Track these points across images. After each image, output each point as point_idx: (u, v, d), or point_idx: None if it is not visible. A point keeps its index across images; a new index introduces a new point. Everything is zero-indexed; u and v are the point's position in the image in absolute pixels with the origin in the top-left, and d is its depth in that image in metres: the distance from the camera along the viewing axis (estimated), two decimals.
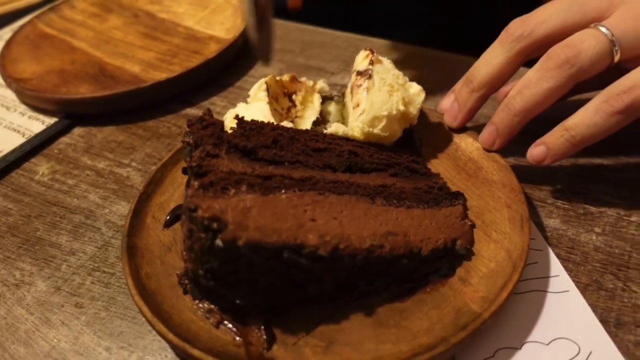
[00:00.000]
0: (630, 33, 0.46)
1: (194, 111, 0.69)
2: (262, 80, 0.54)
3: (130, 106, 0.69)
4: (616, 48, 0.46)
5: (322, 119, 0.55)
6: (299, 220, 0.39)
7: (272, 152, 0.44)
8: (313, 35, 0.82)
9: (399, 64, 0.53)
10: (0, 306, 0.47)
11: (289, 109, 0.56)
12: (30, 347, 0.44)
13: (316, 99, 0.56)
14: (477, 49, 0.54)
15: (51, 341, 0.44)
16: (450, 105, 0.54)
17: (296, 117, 0.55)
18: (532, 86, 0.47)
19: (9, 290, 0.49)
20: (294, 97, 0.56)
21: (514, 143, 0.51)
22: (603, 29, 0.46)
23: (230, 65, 0.76)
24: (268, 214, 0.38)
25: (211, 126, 0.45)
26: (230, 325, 0.41)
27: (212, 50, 0.74)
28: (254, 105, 0.53)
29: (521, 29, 0.49)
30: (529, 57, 0.50)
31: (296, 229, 0.38)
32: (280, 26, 0.85)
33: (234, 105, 0.59)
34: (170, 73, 0.69)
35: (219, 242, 0.36)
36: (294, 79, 0.57)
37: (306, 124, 0.53)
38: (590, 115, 0.45)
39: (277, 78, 0.56)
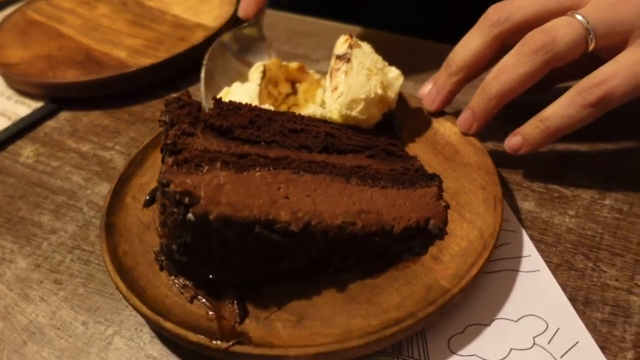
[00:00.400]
0: (605, 21, 0.47)
1: None
2: (262, 62, 0.54)
3: (116, 91, 0.69)
4: (591, 36, 0.46)
5: None
6: (272, 197, 0.40)
7: (248, 132, 0.45)
8: (299, 24, 0.82)
9: (382, 52, 0.54)
10: None
11: (287, 96, 0.55)
12: (8, 321, 0.45)
13: (319, 94, 0.56)
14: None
15: (29, 316, 0.45)
16: (429, 90, 0.55)
17: (294, 105, 0.55)
18: (508, 70, 0.48)
19: None
20: (297, 85, 0.56)
21: (493, 129, 0.52)
22: (579, 17, 0.47)
23: None
24: (241, 190, 0.39)
25: (188, 106, 0.45)
26: (204, 300, 0.41)
27: (198, 37, 0.74)
28: (246, 85, 0.53)
29: (498, 14, 0.50)
30: (506, 43, 0.51)
31: (269, 205, 0.39)
32: (268, 15, 0.85)
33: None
34: (155, 59, 0.70)
35: (190, 216, 0.36)
36: (302, 69, 0.57)
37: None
38: (564, 107, 0.47)
39: (284, 63, 0.56)
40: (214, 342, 0.37)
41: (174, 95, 0.68)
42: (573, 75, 0.55)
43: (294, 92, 0.56)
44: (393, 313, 0.39)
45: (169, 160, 0.39)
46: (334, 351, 0.36)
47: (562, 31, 0.46)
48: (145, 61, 0.70)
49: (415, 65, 0.71)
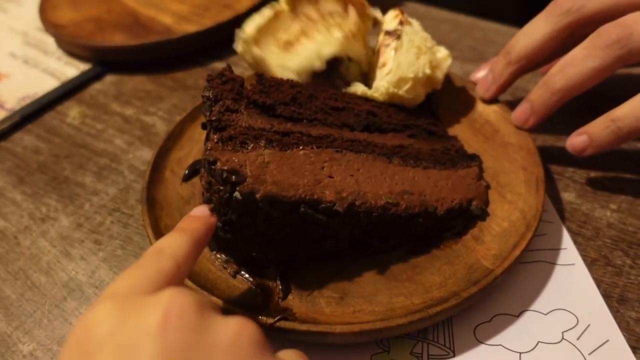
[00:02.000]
0: None
1: (221, 65, 0.69)
2: None
3: (160, 57, 0.70)
4: None
5: (342, 82, 0.54)
6: (316, 176, 0.40)
7: (290, 109, 0.45)
8: None
9: (429, 28, 0.53)
10: (26, 237, 0.50)
11: (332, 15, 0.50)
12: (50, 276, 0.47)
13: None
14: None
15: (70, 273, 0.47)
16: (484, 76, 0.53)
17: (334, 26, 0.50)
18: (576, 64, 0.45)
19: (35, 224, 0.52)
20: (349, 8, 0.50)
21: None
22: None
23: None
24: (286, 169, 0.39)
25: (231, 81, 0.45)
26: (247, 276, 0.42)
27: (244, 5, 0.74)
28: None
29: (571, 2, 0.46)
30: (574, 34, 0.48)
31: (313, 185, 0.39)
32: None
33: None
34: (200, 26, 0.70)
35: (237, 194, 0.37)
36: None
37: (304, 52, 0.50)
38: None
39: None
40: (260, 317, 0.37)
41: (217, 64, 0.70)
42: None
43: (346, 12, 0.51)
44: (435, 292, 0.40)
45: (214, 137, 0.39)
46: (378, 329, 0.37)
47: None
48: (190, 28, 0.71)
49: (458, 43, 0.69)
